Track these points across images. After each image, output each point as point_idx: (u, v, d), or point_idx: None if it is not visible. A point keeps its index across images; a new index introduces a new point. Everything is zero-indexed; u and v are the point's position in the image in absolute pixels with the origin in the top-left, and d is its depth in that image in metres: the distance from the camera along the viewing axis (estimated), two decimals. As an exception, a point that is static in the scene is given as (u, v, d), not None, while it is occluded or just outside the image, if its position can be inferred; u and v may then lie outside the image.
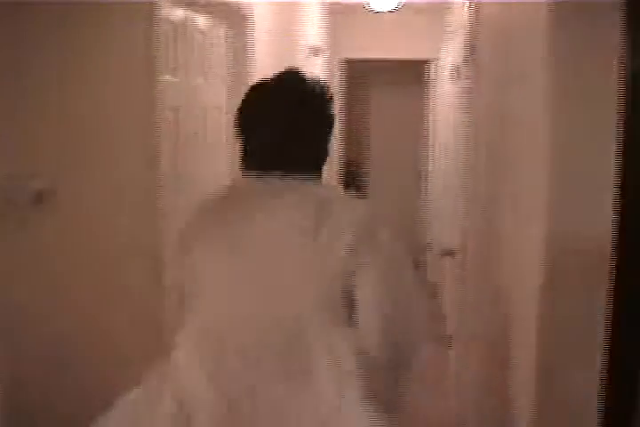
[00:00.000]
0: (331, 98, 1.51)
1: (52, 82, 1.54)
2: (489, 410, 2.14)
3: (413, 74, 6.95)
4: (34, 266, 1.50)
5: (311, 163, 1.49)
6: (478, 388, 2.44)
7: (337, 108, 6.53)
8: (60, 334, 1.60)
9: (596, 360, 1.25)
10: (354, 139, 7.81)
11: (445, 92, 5.55)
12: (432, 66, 6.46)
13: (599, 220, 1.23)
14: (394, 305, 1.41)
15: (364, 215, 1.43)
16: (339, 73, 6.50)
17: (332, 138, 1.52)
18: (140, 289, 2.05)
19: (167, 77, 2.39)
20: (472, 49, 2.80)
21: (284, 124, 1.43)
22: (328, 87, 1.51)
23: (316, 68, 5.62)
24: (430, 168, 6.60)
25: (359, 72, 7.25)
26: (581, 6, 1.18)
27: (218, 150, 3.00)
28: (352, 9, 6.07)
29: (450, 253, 3.73)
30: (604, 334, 1.24)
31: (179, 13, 2.49)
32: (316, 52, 5.47)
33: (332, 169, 6.48)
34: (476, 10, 2.73)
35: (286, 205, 1.42)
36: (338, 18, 6.41)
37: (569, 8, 1.18)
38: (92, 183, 1.73)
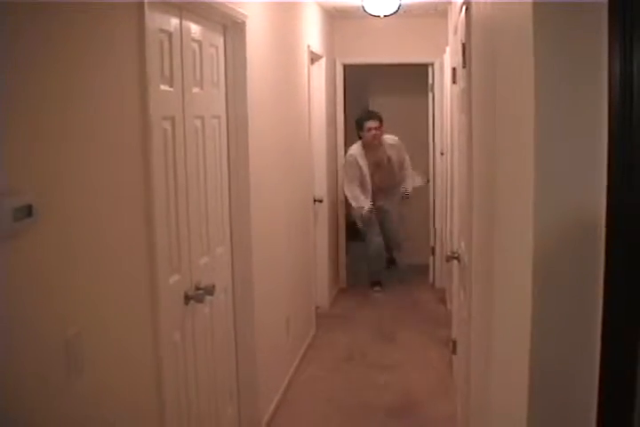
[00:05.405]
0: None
1: (39, 94, 1.52)
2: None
3: (414, 78, 6.94)
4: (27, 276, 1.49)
5: None
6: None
7: (338, 113, 6.53)
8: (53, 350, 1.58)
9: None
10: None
11: (447, 96, 5.53)
12: (433, 69, 6.45)
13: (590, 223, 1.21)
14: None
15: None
16: (339, 78, 6.49)
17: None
18: (133, 294, 2.04)
19: (162, 87, 2.38)
20: (467, 51, 2.78)
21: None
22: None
23: (315, 74, 5.61)
24: (433, 172, 6.58)
25: (359, 77, 7.24)
26: (566, 6, 1.17)
27: (219, 159, 2.98)
28: (352, 13, 6.07)
29: (455, 257, 3.70)
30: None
31: (173, 22, 2.49)
32: (315, 57, 5.46)
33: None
34: (470, 11, 2.72)
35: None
36: (337, 22, 6.41)
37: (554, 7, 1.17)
38: (83, 194, 1.72)
